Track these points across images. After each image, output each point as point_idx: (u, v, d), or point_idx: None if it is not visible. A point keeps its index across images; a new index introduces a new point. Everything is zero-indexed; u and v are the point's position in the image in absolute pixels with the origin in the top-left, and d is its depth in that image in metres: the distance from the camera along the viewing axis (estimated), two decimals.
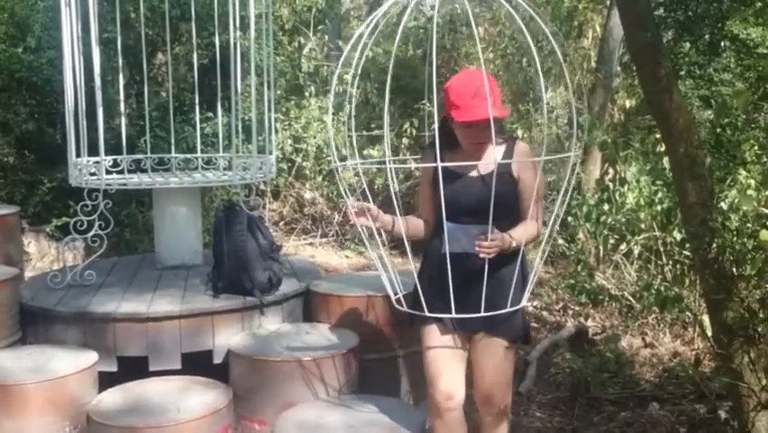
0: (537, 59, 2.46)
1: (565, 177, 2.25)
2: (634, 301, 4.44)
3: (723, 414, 3.34)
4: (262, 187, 6.89)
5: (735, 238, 2.64)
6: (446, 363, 2.60)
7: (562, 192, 2.26)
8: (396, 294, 2.62)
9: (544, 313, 5.04)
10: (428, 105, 5.64)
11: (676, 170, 2.78)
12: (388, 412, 2.98)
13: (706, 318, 3.27)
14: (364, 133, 6.19)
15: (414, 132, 5.99)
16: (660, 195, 4.29)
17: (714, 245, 2.59)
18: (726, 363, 2.67)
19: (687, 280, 4.09)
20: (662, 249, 4.50)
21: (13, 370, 3.08)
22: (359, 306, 3.62)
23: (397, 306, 2.73)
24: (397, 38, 2.81)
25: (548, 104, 6.23)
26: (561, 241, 5.28)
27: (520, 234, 2.40)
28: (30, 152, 6.27)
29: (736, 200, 3.29)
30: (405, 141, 5.93)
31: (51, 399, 2.99)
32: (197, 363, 3.38)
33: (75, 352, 3.27)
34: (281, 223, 7.16)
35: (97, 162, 3.94)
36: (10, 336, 3.46)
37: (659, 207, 4.28)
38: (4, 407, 2.93)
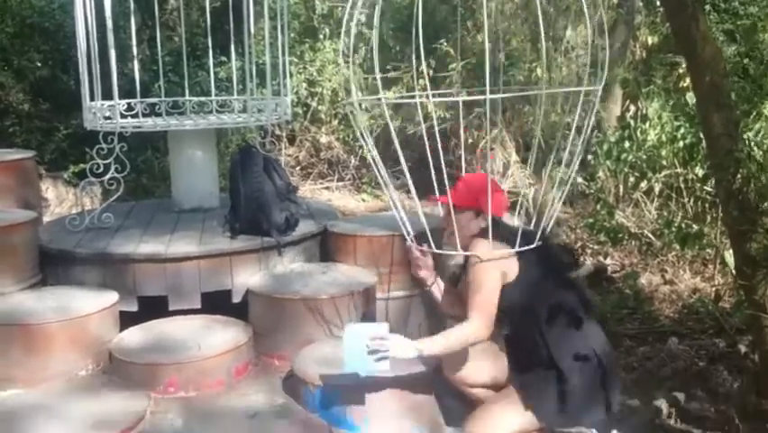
0: None
1: (582, 112, 2.19)
2: (654, 239, 4.39)
3: (743, 348, 3.32)
4: (278, 132, 6.85)
5: (760, 169, 2.58)
6: None
7: (576, 130, 2.20)
8: (408, 234, 2.64)
9: None
10: (444, 44, 5.53)
11: (701, 101, 2.71)
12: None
13: (728, 254, 3.23)
14: (379, 75, 6.08)
15: (431, 72, 5.89)
16: (682, 131, 4.21)
17: (739, 176, 2.53)
18: (749, 295, 2.64)
19: (708, 217, 4.03)
20: (683, 186, 4.43)
21: (36, 310, 3.12)
22: (376, 245, 3.61)
23: (409, 244, 2.74)
24: None
25: (567, 42, 6.08)
26: (580, 180, 5.23)
27: (433, 342, 2.36)
28: (45, 98, 6.26)
29: (762, 133, 3.22)
30: (422, 82, 5.82)
31: (74, 337, 3.03)
32: (217, 303, 3.40)
33: (95, 292, 3.30)
34: (297, 168, 7.13)
35: (112, 106, 3.91)
36: (31, 278, 3.50)
37: (681, 143, 4.21)
38: (28, 346, 2.98)
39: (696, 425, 2.90)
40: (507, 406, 2.40)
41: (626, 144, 4.49)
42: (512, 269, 2.41)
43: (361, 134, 2.59)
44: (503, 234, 2.43)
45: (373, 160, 2.61)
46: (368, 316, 3.34)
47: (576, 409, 2.33)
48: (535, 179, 5.24)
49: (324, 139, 6.85)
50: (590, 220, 4.44)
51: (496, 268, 2.38)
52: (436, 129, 2.47)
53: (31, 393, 2.87)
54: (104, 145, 3.82)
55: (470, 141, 5.42)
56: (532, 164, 5.03)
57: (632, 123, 4.73)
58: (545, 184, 3.30)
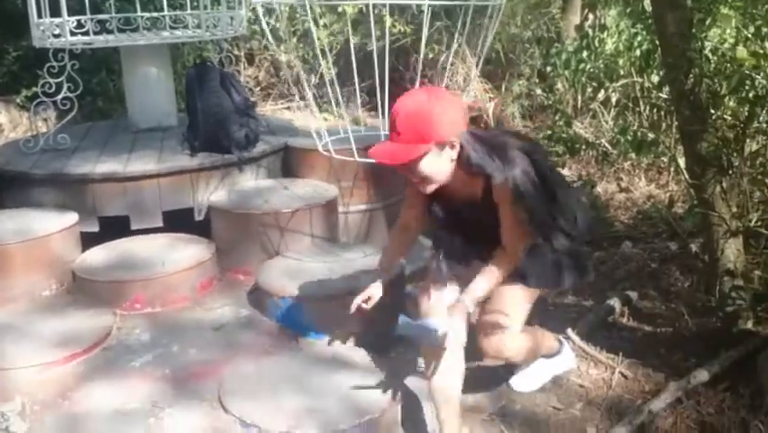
0: None
1: (543, 25, 2.19)
2: (610, 148, 4.46)
3: (694, 248, 3.44)
4: (236, 52, 6.69)
5: (714, 70, 2.62)
6: None
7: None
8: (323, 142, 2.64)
9: None
10: None
11: (656, 1, 2.71)
12: (368, 257, 3.05)
13: (681, 159, 3.31)
14: None
15: None
16: (639, 38, 4.20)
17: (691, 76, 2.57)
18: (699, 195, 2.72)
19: (663, 125, 4.09)
20: (639, 95, 4.46)
21: None
22: (336, 160, 3.61)
23: (323, 151, 2.76)
24: None
25: None
26: (539, 91, 5.24)
27: (478, 287, 2.14)
28: None
29: (716, 41, 3.24)
30: None
31: (36, 258, 3.02)
32: (179, 222, 3.40)
33: (55, 213, 3.27)
34: (257, 88, 7.01)
35: (60, 23, 3.78)
36: None
37: (638, 51, 4.21)
38: None
39: (648, 322, 3.02)
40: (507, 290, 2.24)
41: (584, 54, 4.48)
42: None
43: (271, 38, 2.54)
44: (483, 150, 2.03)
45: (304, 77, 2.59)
46: (332, 230, 3.38)
47: (559, 271, 2.23)
48: (495, 92, 5.24)
49: (283, 57, 6.71)
50: (549, 132, 4.48)
51: (527, 193, 2.03)
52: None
53: None
54: (54, 63, 3.72)
55: (430, 56, 5.37)
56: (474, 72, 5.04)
57: (590, 32, 4.70)
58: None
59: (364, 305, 2.31)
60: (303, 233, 3.24)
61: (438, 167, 1.99)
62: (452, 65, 5.36)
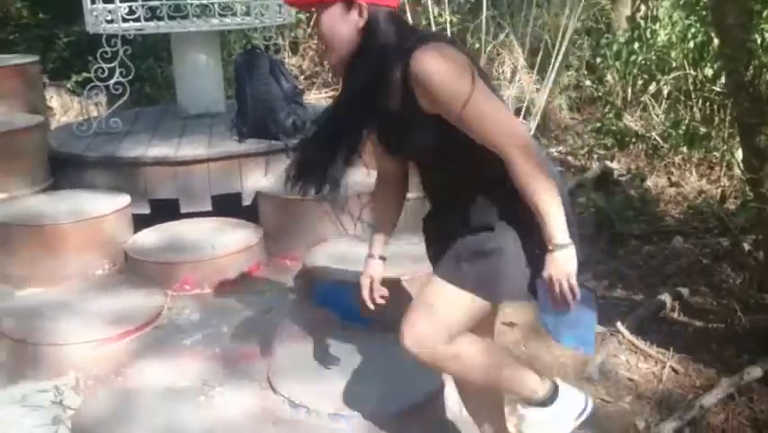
0: None
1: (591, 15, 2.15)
2: (661, 141, 4.39)
3: (747, 246, 3.37)
4: (280, 41, 6.72)
5: None
6: None
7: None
8: None
9: (569, 158, 5.02)
10: None
11: None
12: (415, 245, 3.04)
13: (736, 154, 3.24)
14: None
15: None
16: (693, 30, 4.13)
17: (751, 67, 2.51)
18: (755, 189, 2.66)
19: (716, 119, 4.02)
20: (692, 88, 4.39)
21: (50, 212, 3.16)
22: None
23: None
24: None
25: None
26: (588, 83, 5.17)
27: (556, 221, 1.55)
28: (44, 6, 6.12)
29: None
30: None
31: (89, 238, 3.08)
32: (227, 206, 3.44)
33: (108, 195, 3.33)
34: (301, 77, 7.04)
35: (113, 9, 3.84)
36: (42, 182, 3.53)
37: (691, 43, 4.14)
38: (44, 246, 3.03)
39: (699, 318, 2.97)
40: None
41: (636, 46, 4.42)
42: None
43: None
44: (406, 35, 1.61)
45: None
46: None
47: (498, 279, 1.68)
48: (543, 84, 5.18)
49: None
50: (598, 124, 4.43)
51: (463, 68, 1.54)
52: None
53: (50, 292, 2.94)
54: (107, 48, 3.78)
55: (476, 45, 5.32)
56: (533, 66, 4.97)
57: (642, 23, 4.64)
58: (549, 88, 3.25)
59: (377, 298, 1.97)
60: (352, 219, 3.25)
61: (338, 30, 1.63)
62: (498, 55, 5.32)
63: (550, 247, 1.56)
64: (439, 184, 1.81)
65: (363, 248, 2.98)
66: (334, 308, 2.77)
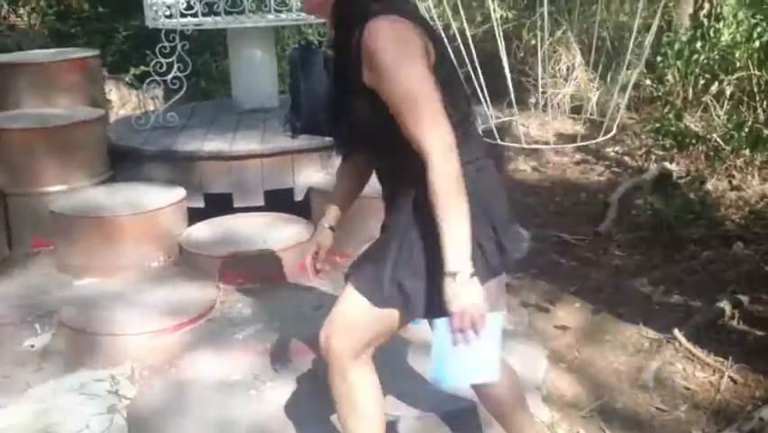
0: None
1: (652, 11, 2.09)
2: (722, 144, 4.26)
3: None
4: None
5: None
6: None
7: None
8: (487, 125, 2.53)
9: (626, 158, 4.91)
10: None
11: None
12: None
13: None
14: None
15: None
16: (759, 29, 3.99)
17: None
18: None
19: None
20: (756, 89, 4.24)
21: (109, 203, 3.23)
22: None
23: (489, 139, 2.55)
24: None
25: None
26: (647, 82, 5.04)
27: (453, 242, 1.41)
28: (103, 0, 6.25)
29: None
30: None
31: (145, 230, 3.14)
32: (279, 202, 3.47)
33: (164, 188, 3.39)
34: None
35: (172, 4, 3.90)
36: (101, 174, 3.61)
37: (757, 43, 4.00)
38: (103, 237, 3.11)
39: (759, 326, 2.87)
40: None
41: (698, 45, 4.30)
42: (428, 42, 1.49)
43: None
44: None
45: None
46: None
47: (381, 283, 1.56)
48: (600, 82, 5.09)
49: None
50: (657, 125, 4.32)
51: (407, 45, 1.45)
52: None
53: (107, 282, 3.02)
54: (166, 44, 3.84)
55: (533, 42, 5.25)
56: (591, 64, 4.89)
57: (705, 22, 4.51)
58: (616, 87, 3.18)
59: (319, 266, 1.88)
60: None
61: None
62: (554, 53, 5.24)
63: (447, 271, 1.41)
64: (379, 169, 1.73)
65: None
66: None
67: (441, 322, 1.47)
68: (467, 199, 1.42)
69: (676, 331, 2.78)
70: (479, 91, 3.31)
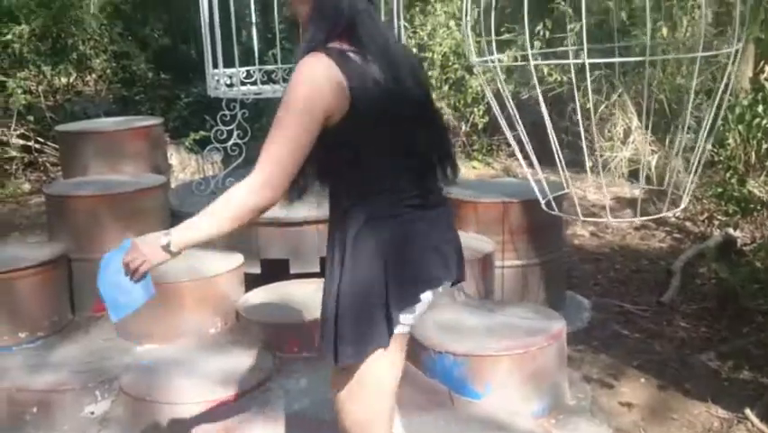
0: None
1: (709, 74, 2.05)
2: None
3: None
4: None
5: None
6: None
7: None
8: (545, 196, 2.55)
9: (687, 224, 4.80)
10: (563, 4, 5.34)
11: None
12: (526, 317, 2.96)
13: None
14: (494, 37, 5.95)
15: (547, 34, 5.71)
16: None
17: None
18: None
19: None
20: None
21: (169, 269, 3.26)
22: (493, 212, 3.56)
23: (547, 209, 2.64)
24: None
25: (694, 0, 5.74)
26: (708, 146, 4.93)
27: (189, 224, 1.60)
28: (166, 67, 6.51)
29: None
30: (537, 44, 5.67)
31: (204, 296, 3.17)
32: None
33: (223, 254, 3.42)
34: None
35: (233, 73, 4.02)
36: None
37: None
38: (163, 303, 3.13)
39: None
40: None
41: (760, 108, 4.21)
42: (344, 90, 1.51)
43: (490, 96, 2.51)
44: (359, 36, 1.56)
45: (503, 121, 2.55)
46: (488, 285, 3.32)
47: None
48: (658, 145, 5.02)
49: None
50: (719, 189, 4.22)
51: (315, 83, 1.49)
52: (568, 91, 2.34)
53: (166, 348, 3.03)
54: (226, 112, 3.95)
55: (588, 105, 5.23)
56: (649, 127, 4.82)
57: (766, 85, 4.42)
58: (674, 151, 3.12)
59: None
60: (459, 286, 3.20)
61: (300, 13, 1.64)
62: (611, 115, 5.21)
63: (165, 234, 1.60)
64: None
65: (471, 319, 2.95)
66: (445, 379, 2.71)
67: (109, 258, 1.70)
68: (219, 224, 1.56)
69: (748, 411, 2.66)
70: (531, 157, 3.29)
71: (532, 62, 2.76)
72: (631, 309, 3.65)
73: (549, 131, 3.37)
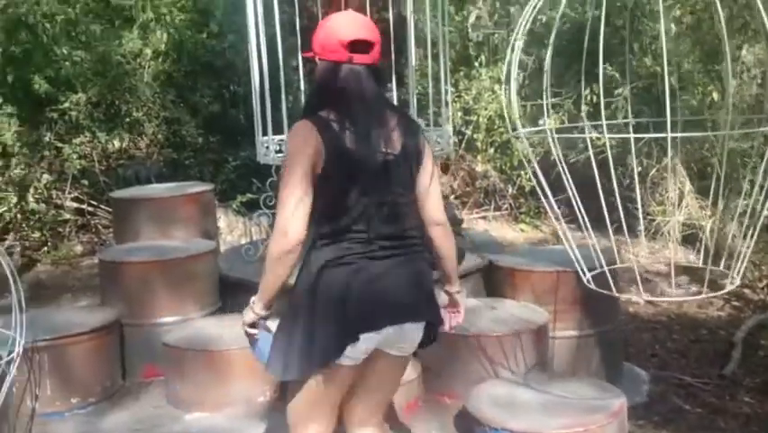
0: (721, 13, 2.16)
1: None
2: None
3: None
4: None
5: None
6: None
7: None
8: (585, 273, 2.51)
9: (746, 291, 4.64)
10: (609, 68, 5.34)
11: None
12: (583, 393, 2.86)
13: None
14: (538, 101, 5.97)
15: (594, 98, 5.69)
16: None
17: None
18: None
19: None
20: None
21: (218, 337, 3.27)
22: (546, 281, 3.49)
23: (588, 285, 2.60)
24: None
25: (742, 63, 5.68)
26: (766, 212, 4.79)
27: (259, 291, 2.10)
28: (215, 132, 6.64)
29: None
30: (584, 108, 5.65)
31: (253, 365, 3.12)
32: None
33: (274, 322, 3.40)
34: (452, 196, 7.11)
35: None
36: (212, 305, 3.69)
37: None
38: (212, 371, 3.12)
39: None
40: None
41: None
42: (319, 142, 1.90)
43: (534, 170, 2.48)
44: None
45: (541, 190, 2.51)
46: (542, 357, 3.23)
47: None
48: (713, 210, 4.91)
49: (479, 167, 6.79)
50: None
51: (300, 137, 1.92)
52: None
53: (215, 417, 3.01)
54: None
55: (638, 169, 5.17)
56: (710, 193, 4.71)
57: None
58: (734, 217, 3.03)
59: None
60: (514, 359, 3.12)
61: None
62: (662, 180, 5.12)
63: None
64: None
65: (526, 393, 2.85)
66: None
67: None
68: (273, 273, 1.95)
69: None
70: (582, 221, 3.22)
71: (587, 134, 2.75)
72: (691, 382, 3.51)
73: (599, 192, 3.32)
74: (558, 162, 3.08)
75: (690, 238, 4.95)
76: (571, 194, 3.25)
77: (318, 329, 1.92)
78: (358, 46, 1.95)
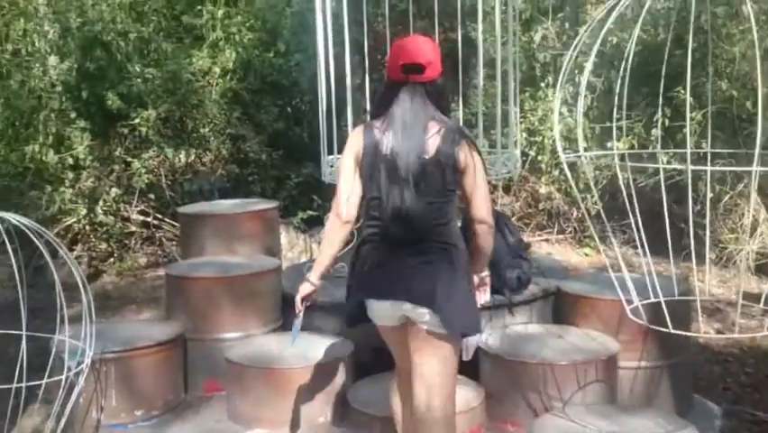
0: None
1: None
2: None
3: None
4: (493, 181, 6.80)
5: None
6: None
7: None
8: (631, 302, 2.47)
9: None
10: (683, 92, 5.19)
11: None
12: (653, 425, 2.75)
13: None
14: (607, 123, 5.85)
15: (666, 122, 5.56)
16: None
17: None
18: None
19: None
20: None
21: (280, 354, 3.28)
22: (613, 310, 3.38)
23: (631, 316, 2.65)
24: (640, 20, 2.61)
25: None
26: None
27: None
28: (278, 149, 6.72)
29: None
30: (654, 132, 5.52)
31: (314, 384, 3.14)
32: None
33: (333, 340, 3.40)
34: (514, 218, 7.01)
35: None
36: (274, 322, 3.71)
37: None
38: (273, 388, 3.13)
39: None
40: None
41: None
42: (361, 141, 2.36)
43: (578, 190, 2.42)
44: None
45: (589, 215, 2.44)
46: (610, 387, 3.13)
47: None
48: None
49: (543, 189, 6.68)
50: None
51: (352, 138, 2.39)
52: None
53: None
54: None
55: (710, 195, 5.01)
56: None
57: None
58: None
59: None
60: (579, 388, 3.03)
61: None
62: (735, 206, 4.95)
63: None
64: None
65: (593, 426, 2.75)
66: None
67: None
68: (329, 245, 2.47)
69: None
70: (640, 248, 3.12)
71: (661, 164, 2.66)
72: (765, 419, 3.34)
73: (665, 217, 3.21)
74: (623, 189, 3.01)
75: (764, 268, 4.74)
76: (632, 221, 3.17)
77: (351, 284, 2.50)
78: (412, 67, 2.31)
